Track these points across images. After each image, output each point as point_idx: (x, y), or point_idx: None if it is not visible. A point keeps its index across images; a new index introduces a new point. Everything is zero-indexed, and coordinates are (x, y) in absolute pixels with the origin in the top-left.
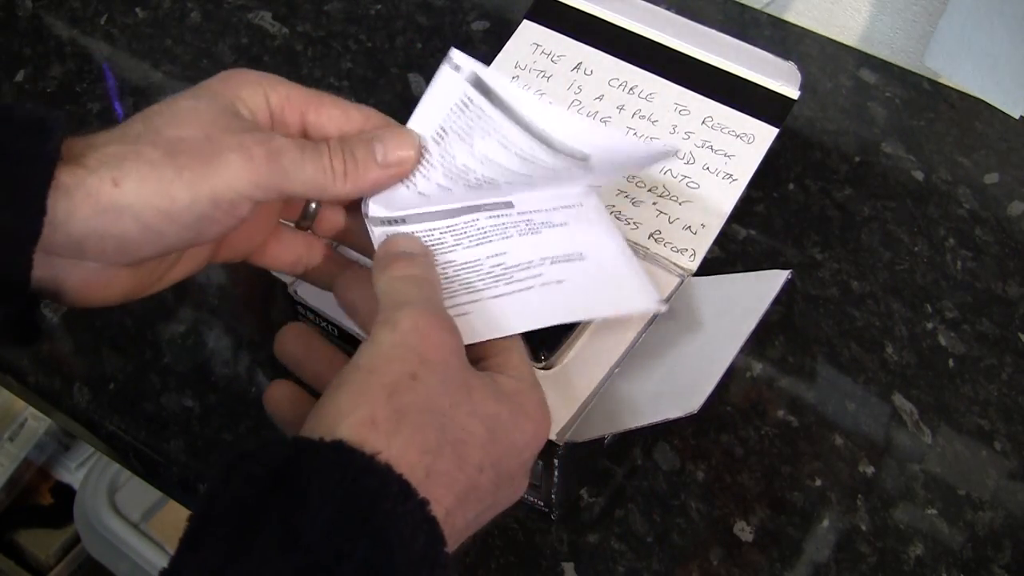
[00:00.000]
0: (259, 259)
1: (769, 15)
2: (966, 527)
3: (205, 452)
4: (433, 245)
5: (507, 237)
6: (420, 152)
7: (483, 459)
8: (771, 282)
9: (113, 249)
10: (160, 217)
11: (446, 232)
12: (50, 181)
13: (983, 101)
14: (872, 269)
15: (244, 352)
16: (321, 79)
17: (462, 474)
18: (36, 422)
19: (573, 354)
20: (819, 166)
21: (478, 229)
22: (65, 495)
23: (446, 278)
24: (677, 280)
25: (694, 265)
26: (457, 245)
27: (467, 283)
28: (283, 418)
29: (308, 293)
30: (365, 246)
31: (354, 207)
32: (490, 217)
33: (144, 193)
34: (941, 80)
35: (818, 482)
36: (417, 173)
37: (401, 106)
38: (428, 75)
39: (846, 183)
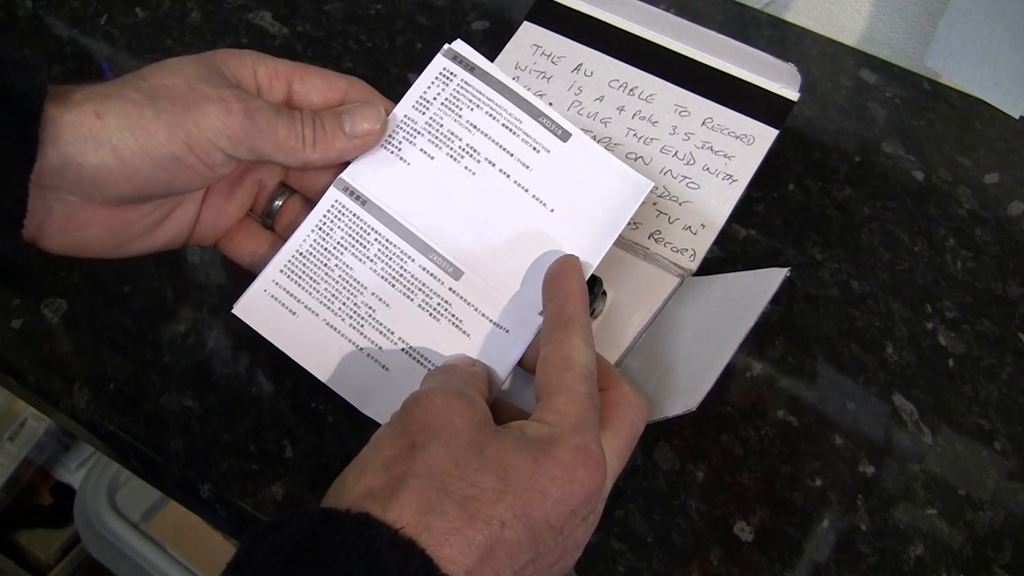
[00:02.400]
0: (226, 246)
1: (769, 15)
2: (966, 527)
3: (205, 452)
4: (364, 245)
5: (409, 299)
6: (386, 126)
7: (503, 513)
8: (770, 280)
9: (90, 180)
10: (136, 151)
11: (383, 244)
12: (41, 111)
13: (983, 101)
14: (872, 269)
15: (244, 352)
16: None
17: (476, 532)
18: (36, 422)
19: None
20: (819, 166)
21: (401, 270)
22: (65, 495)
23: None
24: (677, 280)
25: (694, 265)
26: (375, 261)
27: (347, 301)
28: None
29: None
30: None
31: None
32: (422, 270)
33: (124, 127)
34: (941, 80)
35: (818, 482)
36: (401, 137)
37: None
38: None
39: (846, 183)
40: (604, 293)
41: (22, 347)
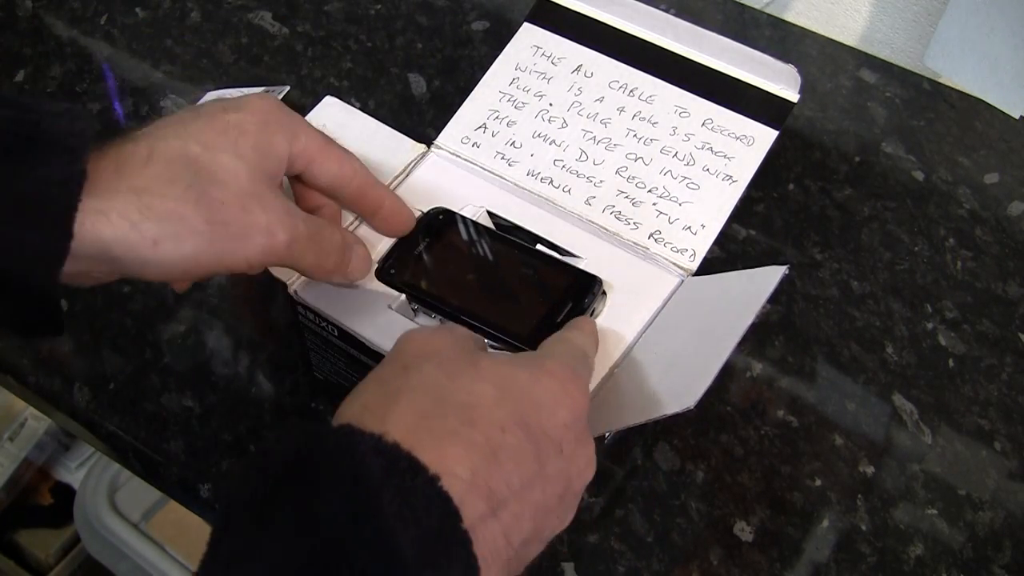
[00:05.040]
0: None
1: (769, 15)
2: (966, 527)
3: (205, 452)
4: None
5: None
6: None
7: (503, 417)
8: (768, 278)
9: (125, 274)
10: (179, 270)
11: None
12: (76, 205)
13: (983, 101)
14: (872, 269)
15: (244, 352)
16: (321, 79)
17: (477, 432)
18: (36, 422)
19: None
20: (819, 166)
21: None
22: (65, 495)
23: None
24: (677, 280)
25: (694, 265)
26: None
27: None
28: None
29: (308, 294)
30: None
31: None
32: None
33: (176, 253)
34: (941, 80)
35: (818, 482)
36: None
37: (400, 106)
38: (428, 75)
39: (846, 183)
40: (604, 293)
41: (22, 347)
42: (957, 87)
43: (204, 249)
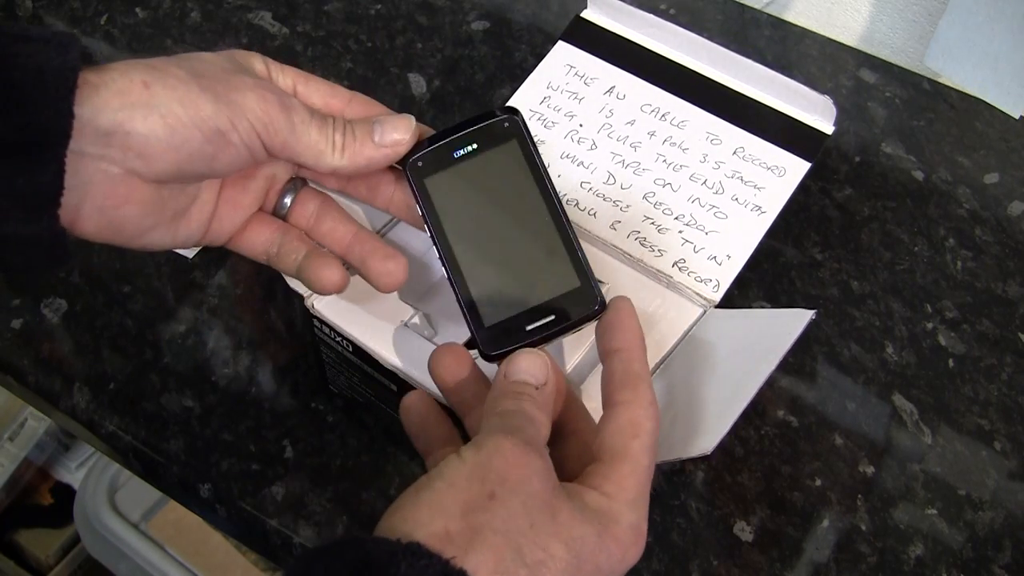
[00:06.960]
0: (239, 242)
1: (769, 15)
2: (966, 527)
3: (205, 452)
4: None
5: None
6: (415, 136)
7: None
8: (794, 322)
9: (138, 149)
10: (185, 122)
11: None
12: (75, 86)
13: (983, 101)
14: (872, 269)
15: (244, 352)
16: None
17: None
18: (36, 422)
19: (588, 384)
20: (819, 166)
21: None
22: (65, 495)
23: None
24: (699, 311)
25: (717, 296)
26: None
27: None
28: (411, 427)
29: (325, 308)
30: (336, 239)
31: (325, 208)
32: None
33: (172, 98)
34: (941, 80)
35: (818, 482)
36: None
37: (401, 106)
38: (428, 75)
39: (846, 183)
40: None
41: (22, 347)
42: (957, 87)
43: (199, 95)
